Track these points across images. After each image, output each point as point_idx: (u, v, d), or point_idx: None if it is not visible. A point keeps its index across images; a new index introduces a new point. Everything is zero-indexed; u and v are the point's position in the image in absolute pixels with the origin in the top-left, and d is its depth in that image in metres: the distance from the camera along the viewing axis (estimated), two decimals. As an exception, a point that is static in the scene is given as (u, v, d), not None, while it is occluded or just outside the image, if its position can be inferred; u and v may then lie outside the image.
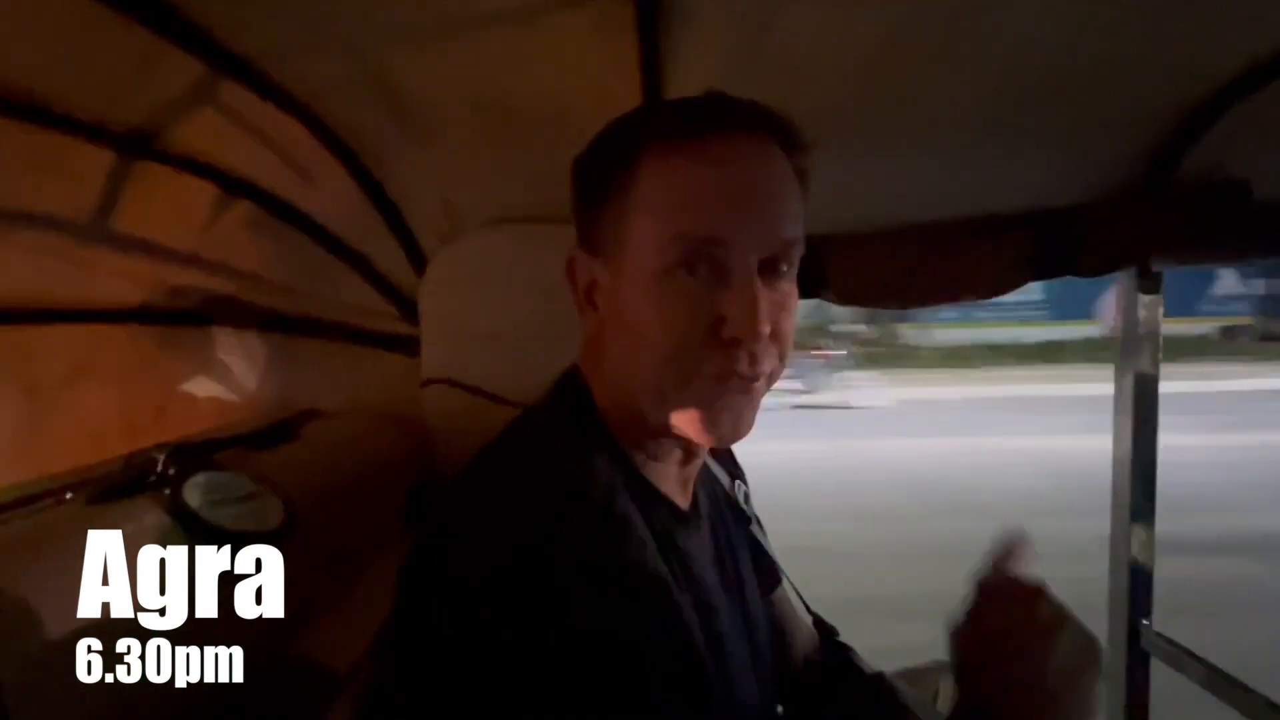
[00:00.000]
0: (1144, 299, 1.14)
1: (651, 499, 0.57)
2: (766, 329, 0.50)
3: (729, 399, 0.52)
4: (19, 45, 0.56)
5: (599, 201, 0.54)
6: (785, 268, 0.53)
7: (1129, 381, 1.17)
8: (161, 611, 0.49)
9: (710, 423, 0.52)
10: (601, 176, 0.54)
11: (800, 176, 0.55)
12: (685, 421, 0.52)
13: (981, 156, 1.00)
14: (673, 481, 0.60)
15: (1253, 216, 0.97)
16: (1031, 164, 1.02)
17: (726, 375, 0.51)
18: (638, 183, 0.52)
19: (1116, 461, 1.19)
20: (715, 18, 0.74)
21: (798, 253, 0.54)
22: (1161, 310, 1.15)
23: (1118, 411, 1.19)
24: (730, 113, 0.52)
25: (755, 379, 0.52)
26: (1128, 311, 1.16)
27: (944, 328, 13.39)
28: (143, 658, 0.47)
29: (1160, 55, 0.85)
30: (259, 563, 0.58)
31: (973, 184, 1.04)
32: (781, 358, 0.54)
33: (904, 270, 1.01)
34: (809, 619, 0.81)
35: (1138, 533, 1.17)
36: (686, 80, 0.79)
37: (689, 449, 0.60)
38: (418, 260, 1.03)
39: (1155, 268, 1.13)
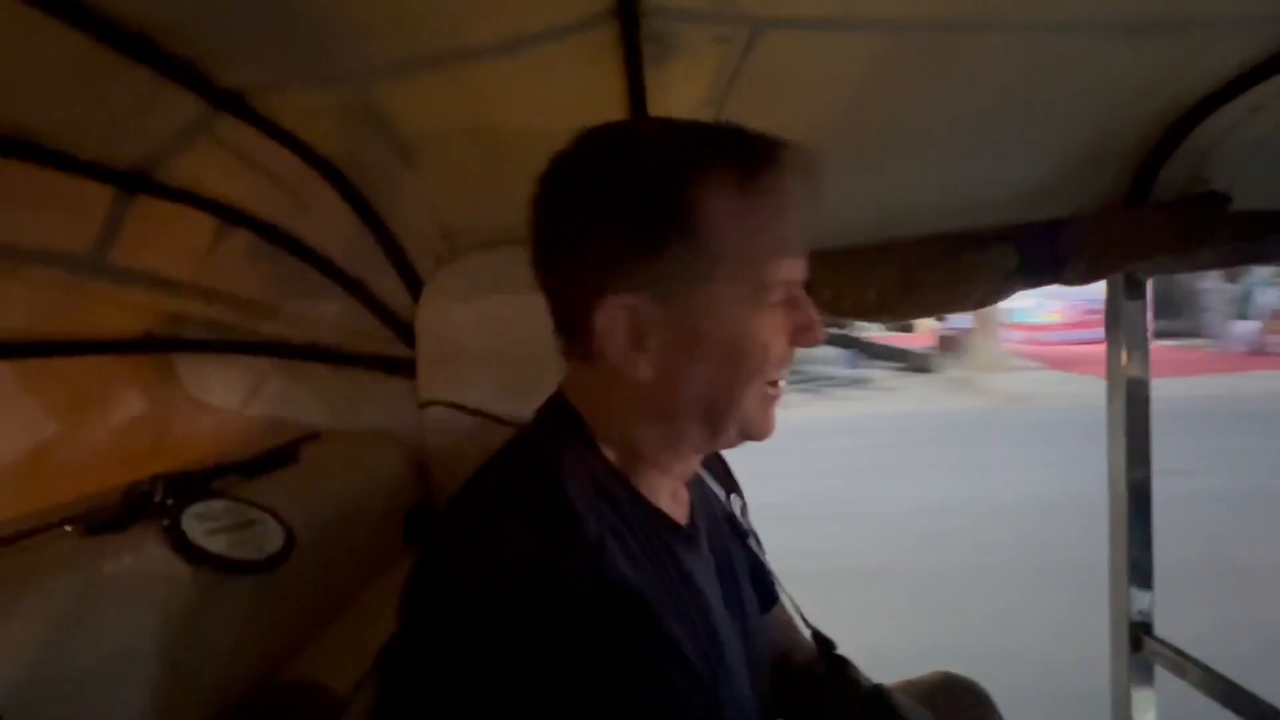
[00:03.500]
0: (1129, 306, 1.16)
1: (650, 517, 0.58)
2: None
3: (781, 394, 0.59)
4: (20, 85, 0.57)
5: (658, 242, 0.52)
6: None
7: (1120, 388, 1.18)
8: (162, 639, 0.49)
9: (772, 423, 0.59)
10: (657, 216, 0.52)
11: None
12: (762, 429, 0.58)
13: (966, 172, 1.02)
14: (668, 496, 0.61)
15: (1231, 224, 0.99)
16: (1015, 178, 1.04)
17: (784, 376, 0.58)
18: (712, 222, 0.52)
19: (1112, 470, 1.20)
20: (699, 43, 0.76)
21: None
22: (1148, 317, 1.17)
23: (1110, 418, 1.20)
24: (773, 149, 0.54)
25: None
26: (1113, 319, 1.18)
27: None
28: (145, 685, 0.48)
29: (1136, 72, 0.87)
30: (258, 588, 0.59)
31: (958, 198, 1.06)
32: None
33: (892, 284, 1.03)
34: (808, 632, 0.81)
35: (1136, 541, 1.17)
36: (672, 105, 0.80)
37: (693, 464, 0.62)
38: (413, 284, 1.04)
39: (1140, 276, 1.15)
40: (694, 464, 0.64)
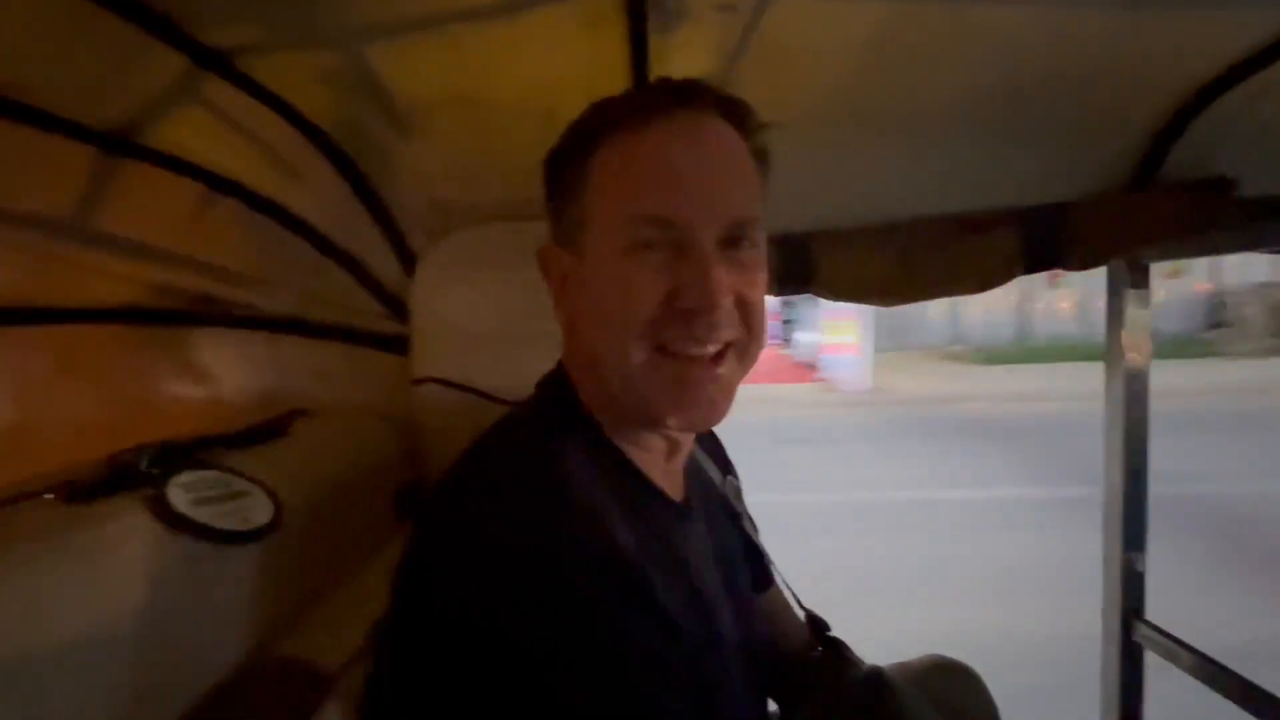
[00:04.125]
0: (1132, 293, 1.15)
1: (643, 491, 0.57)
2: (724, 298, 0.51)
3: (698, 379, 0.52)
4: None
5: (563, 194, 0.56)
6: (747, 243, 0.53)
7: (1119, 377, 1.17)
8: (145, 610, 0.48)
9: (682, 404, 0.53)
10: (564, 170, 0.56)
11: (758, 156, 0.56)
12: (659, 404, 0.53)
13: (970, 153, 1.01)
14: (661, 473, 0.60)
15: (1236, 209, 0.98)
16: (1020, 160, 1.03)
17: (688, 348, 0.51)
18: (594, 171, 0.53)
19: (1108, 457, 1.20)
20: (703, 13, 0.74)
21: (758, 228, 0.54)
22: (1150, 303, 1.16)
23: (1109, 407, 1.20)
24: (675, 93, 0.54)
25: (718, 354, 0.53)
26: (1115, 306, 1.17)
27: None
28: (127, 657, 0.47)
29: (1143, 54, 0.86)
30: (244, 560, 0.57)
31: (962, 180, 1.04)
32: (751, 329, 0.54)
33: (894, 266, 1.02)
34: (802, 614, 0.81)
35: (1130, 527, 1.18)
36: (674, 75, 0.78)
37: (673, 439, 0.60)
38: (406, 258, 1.02)
39: (1143, 261, 1.14)
40: (663, 442, 0.59)
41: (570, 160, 0.55)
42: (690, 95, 0.53)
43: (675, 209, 0.50)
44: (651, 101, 0.53)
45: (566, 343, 0.61)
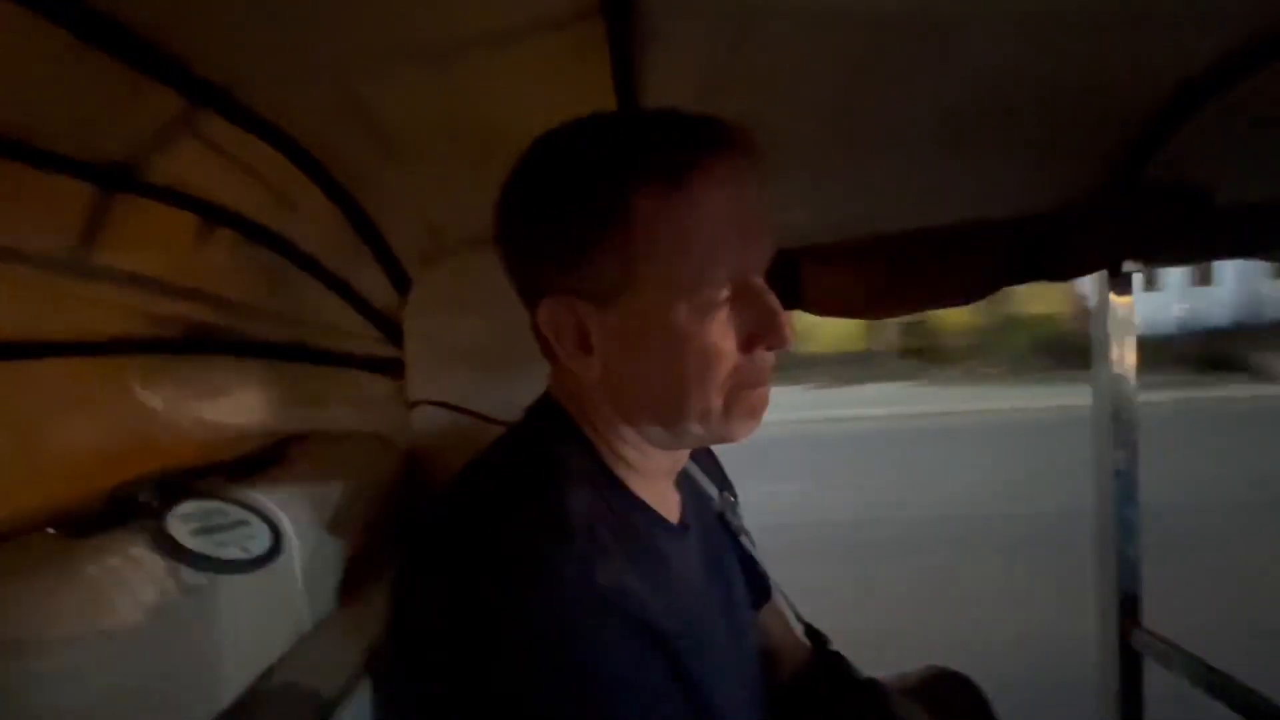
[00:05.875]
0: (1116, 301, 1.17)
1: (639, 514, 0.58)
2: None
3: (763, 399, 0.56)
4: None
5: (589, 245, 0.51)
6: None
7: (1106, 384, 1.19)
8: (147, 641, 0.48)
9: (749, 424, 0.56)
10: (587, 219, 0.51)
11: None
12: (734, 430, 0.56)
13: (952, 168, 1.03)
14: (657, 493, 0.60)
15: (1215, 218, 1.00)
16: (1002, 174, 1.05)
17: (762, 380, 0.55)
18: (640, 223, 0.50)
19: (1100, 465, 1.21)
20: (687, 38, 0.76)
21: None
22: (1135, 312, 1.18)
23: (1097, 414, 1.21)
24: (707, 136, 0.52)
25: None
26: (1100, 315, 1.19)
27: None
28: (130, 689, 0.47)
29: (1121, 67, 0.88)
30: (245, 589, 0.58)
31: (945, 194, 1.06)
32: None
33: (878, 280, 1.03)
34: (801, 628, 0.82)
35: (1124, 534, 1.18)
36: (661, 100, 0.80)
37: (678, 458, 0.62)
38: (401, 283, 1.04)
39: (1126, 270, 1.16)
40: (669, 462, 0.61)
41: (594, 207, 0.50)
42: (722, 137, 0.52)
43: (746, 261, 0.52)
44: (688, 145, 0.51)
45: (570, 387, 0.59)
